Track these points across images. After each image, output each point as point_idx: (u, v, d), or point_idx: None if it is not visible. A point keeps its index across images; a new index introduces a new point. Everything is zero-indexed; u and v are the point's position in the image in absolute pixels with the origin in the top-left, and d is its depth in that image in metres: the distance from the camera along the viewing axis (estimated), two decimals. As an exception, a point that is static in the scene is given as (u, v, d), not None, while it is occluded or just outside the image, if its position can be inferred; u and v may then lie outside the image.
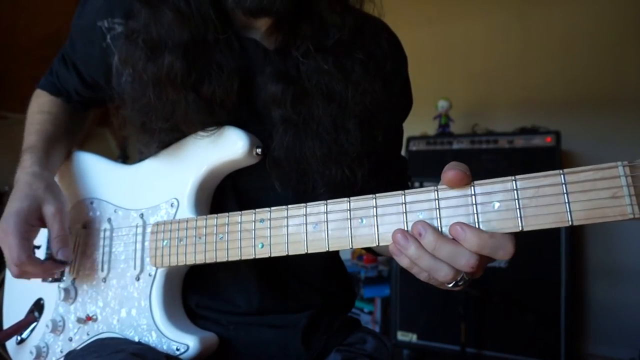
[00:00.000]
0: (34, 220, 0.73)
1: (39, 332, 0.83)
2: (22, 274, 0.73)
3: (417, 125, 2.64)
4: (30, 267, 0.72)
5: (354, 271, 2.68)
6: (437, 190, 0.52)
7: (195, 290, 0.76)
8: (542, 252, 2.08)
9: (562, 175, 0.46)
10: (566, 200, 0.46)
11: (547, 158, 2.20)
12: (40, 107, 0.89)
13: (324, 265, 0.83)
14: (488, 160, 2.31)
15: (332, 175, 0.70)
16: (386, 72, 0.75)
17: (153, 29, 0.66)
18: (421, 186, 2.26)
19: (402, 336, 2.34)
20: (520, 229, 0.48)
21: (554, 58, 2.72)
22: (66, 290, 0.79)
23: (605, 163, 0.45)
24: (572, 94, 2.67)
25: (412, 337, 2.32)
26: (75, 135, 0.92)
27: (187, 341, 0.68)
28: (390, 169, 0.83)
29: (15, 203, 0.73)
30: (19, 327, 0.83)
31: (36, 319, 0.84)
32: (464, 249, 0.49)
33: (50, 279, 0.79)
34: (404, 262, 0.53)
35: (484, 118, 2.78)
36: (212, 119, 0.69)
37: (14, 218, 0.71)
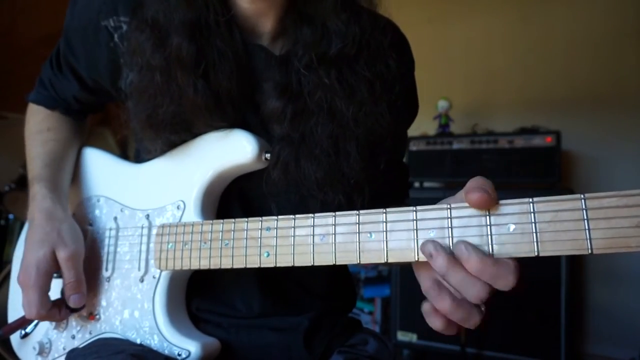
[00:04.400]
0: (53, 269, 0.72)
1: (43, 328, 0.83)
2: (39, 319, 0.77)
3: (417, 125, 2.61)
4: (47, 319, 0.74)
5: (354, 271, 2.68)
6: (449, 209, 0.50)
7: (196, 294, 0.75)
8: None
9: (582, 200, 0.44)
10: (586, 227, 0.43)
11: (547, 158, 2.20)
12: (39, 125, 0.86)
13: (326, 269, 0.82)
14: (488, 160, 2.31)
15: (328, 201, 0.67)
16: (394, 93, 0.71)
17: (160, 14, 0.66)
18: (421, 186, 2.26)
19: (402, 336, 2.34)
20: (536, 254, 0.45)
21: (554, 58, 2.72)
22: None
23: (629, 190, 0.42)
24: (573, 93, 2.67)
25: (412, 337, 2.32)
26: (78, 144, 0.90)
27: (189, 346, 0.67)
28: (392, 176, 0.82)
29: (33, 252, 0.72)
30: (24, 322, 0.83)
31: None
32: (476, 279, 0.46)
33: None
34: (445, 304, 0.48)
35: (484, 118, 2.78)
36: (219, 113, 0.68)
37: (35, 270, 0.70)
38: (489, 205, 0.47)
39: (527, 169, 2.22)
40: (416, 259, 0.51)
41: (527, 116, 2.58)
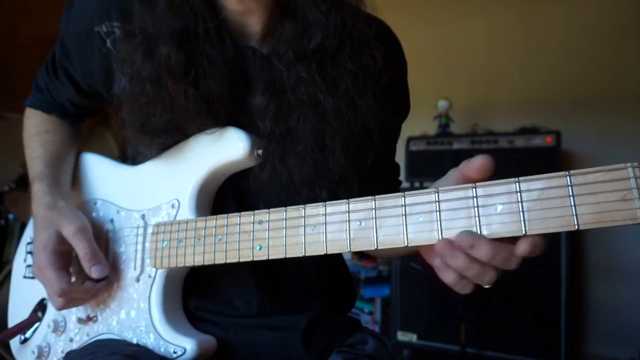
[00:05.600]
0: (61, 247, 0.72)
1: (41, 332, 0.83)
2: (68, 304, 0.73)
3: (417, 125, 2.64)
4: (74, 294, 0.72)
5: (354, 271, 2.68)
6: (437, 192, 0.50)
7: (194, 293, 0.75)
8: (542, 252, 2.08)
9: (568, 177, 0.44)
10: (572, 203, 0.43)
11: (548, 158, 2.20)
12: (37, 127, 0.87)
13: (325, 268, 0.82)
14: (488, 160, 2.31)
15: (315, 197, 0.67)
16: (381, 86, 0.70)
17: (149, 23, 0.66)
18: (421, 187, 2.27)
19: (402, 336, 2.34)
20: (524, 232, 0.45)
21: (554, 58, 2.72)
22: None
23: (612, 164, 0.42)
24: (573, 93, 2.67)
25: (412, 337, 2.32)
26: (76, 146, 0.91)
27: (185, 344, 0.67)
28: (381, 175, 0.81)
29: (38, 238, 0.73)
30: (23, 327, 0.83)
31: (39, 319, 0.84)
32: (514, 252, 0.47)
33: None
34: (449, 278, 0.50)
35: (484, 118, 2.78)
36: (212, 117, 0.68)
37: (43, 252, 0.71)
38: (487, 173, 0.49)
39: (527, 168, 2.20)
40: (405, 244, 0.52)
41: (527, 116, 2.58)
